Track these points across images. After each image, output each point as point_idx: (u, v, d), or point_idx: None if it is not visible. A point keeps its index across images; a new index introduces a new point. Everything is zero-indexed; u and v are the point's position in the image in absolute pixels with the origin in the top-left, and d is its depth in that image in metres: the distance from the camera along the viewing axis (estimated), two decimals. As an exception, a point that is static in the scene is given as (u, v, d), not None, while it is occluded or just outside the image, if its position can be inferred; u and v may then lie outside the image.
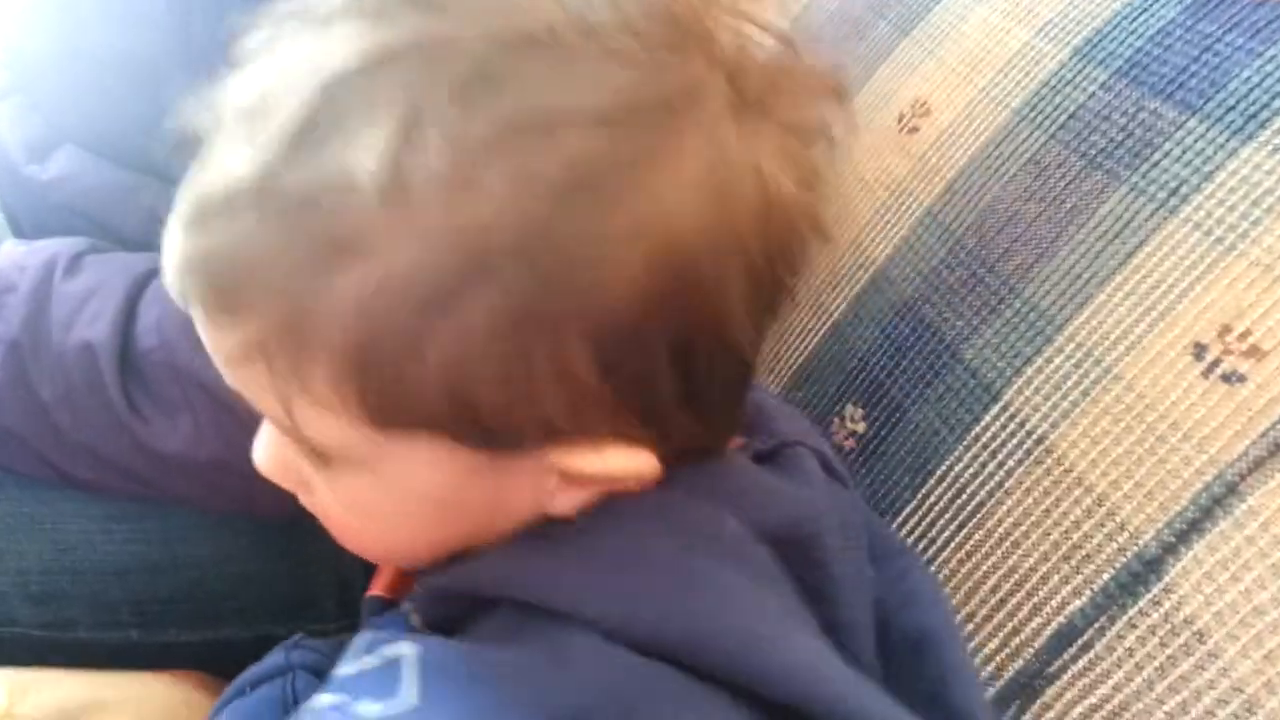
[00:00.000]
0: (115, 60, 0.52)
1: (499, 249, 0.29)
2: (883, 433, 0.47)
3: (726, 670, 0.30)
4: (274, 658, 0.43)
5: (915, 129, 0.53)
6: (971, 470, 0.42)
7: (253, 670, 0.43)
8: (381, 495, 0.35)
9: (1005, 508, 0.41)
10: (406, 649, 0.32)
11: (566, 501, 0.35)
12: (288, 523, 0.51)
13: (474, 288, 0.29)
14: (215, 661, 0.53)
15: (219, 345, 0.33)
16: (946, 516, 0.43)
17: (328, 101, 0.30)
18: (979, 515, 0.42)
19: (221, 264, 0.31)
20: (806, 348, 0.53)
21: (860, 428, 0.48)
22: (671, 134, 0.31)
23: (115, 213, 0.54)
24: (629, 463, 0.34)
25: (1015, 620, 0.39)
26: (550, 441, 0.33)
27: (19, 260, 0.50)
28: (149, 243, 0.52)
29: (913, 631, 0.37)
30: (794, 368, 0.54)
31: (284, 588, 0.54)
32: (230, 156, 0.31)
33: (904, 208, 0.51)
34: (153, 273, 0.50)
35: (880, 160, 0.54)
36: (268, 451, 0.37)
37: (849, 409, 0.49)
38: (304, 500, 0.38)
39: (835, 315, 0.52)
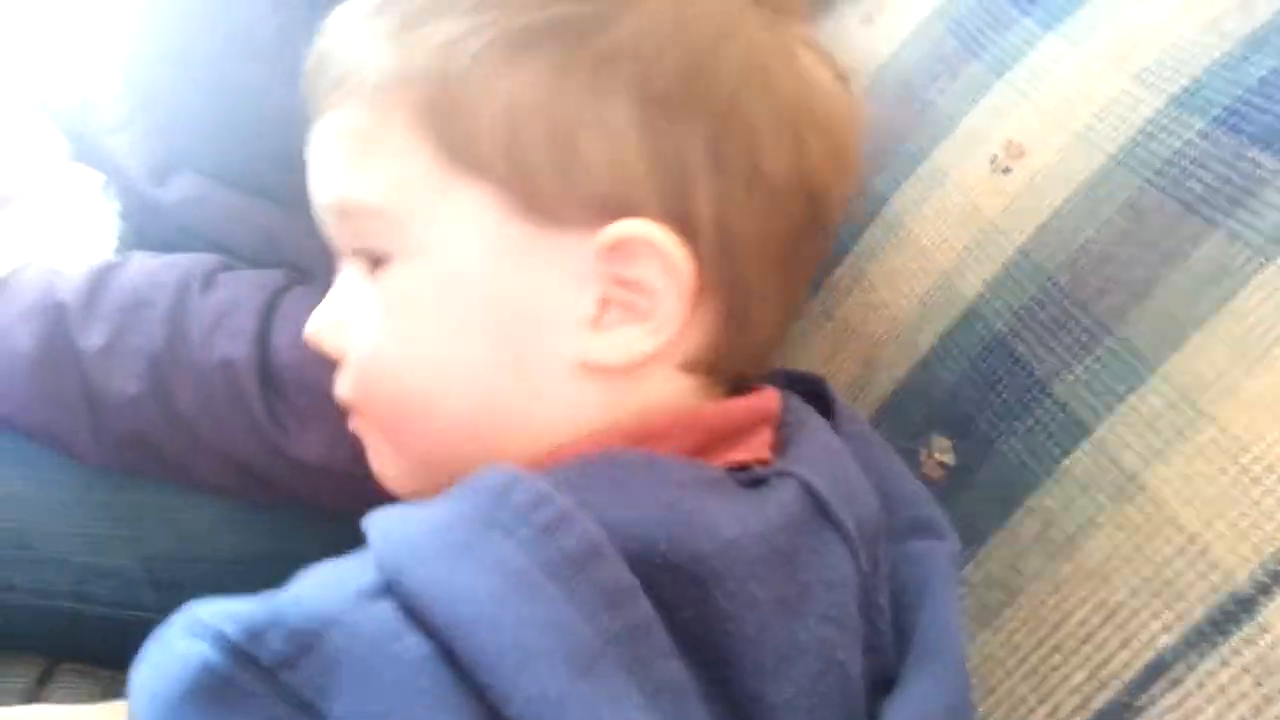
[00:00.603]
0: (226, 89, 0.55)
1: (558, 15, 0.37)
2: (970, 464, 0.47)
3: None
4: None
5: (1008, 170, 0.54)
6: (1061, 504, 0.43)
7: None
8: (427, 287, 0.38)
9: (1095, 542, 0.42)
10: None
11: (603, 345, 0.37)
12: None
13: (539, 44, 0.37)
14: None
15: (333, 118, 0.40)
16: (1035, 548, 0.43)
17: None
18: (1068, 548, 0.42)
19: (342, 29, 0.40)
20: (894, 379, 0.55)
21: (948, 458, 0.49)
22: None
23: (232, 234, 0.57)
24: (664, 244, 0.36)
25: (1103, 653, 0.40)
26: (588, 220, 0.37)
27: (154, 276, 0.54)
28: (264, 261, 0.56)
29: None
30: (880, 398, 0.55)
31: None
32: None
33: (995, 246, 0.52)
34: (282, 290, 0.53)
35: (972, 198, 0.55)
36: (322, 309, 0.42)
37: (936, 440, 0.50)
38: (341, 387, 0.42)
39: (923, 349, 0.53)
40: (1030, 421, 0.46)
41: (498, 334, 0.38)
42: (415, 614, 0.30)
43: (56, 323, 0.53)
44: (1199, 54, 0.47)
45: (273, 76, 0.52)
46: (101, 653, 0.61)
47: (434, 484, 0.40)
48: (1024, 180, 0.52)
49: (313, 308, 0.52)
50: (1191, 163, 0.45)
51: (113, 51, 0.64)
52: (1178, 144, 0.46)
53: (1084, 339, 0.45)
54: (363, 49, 0.39)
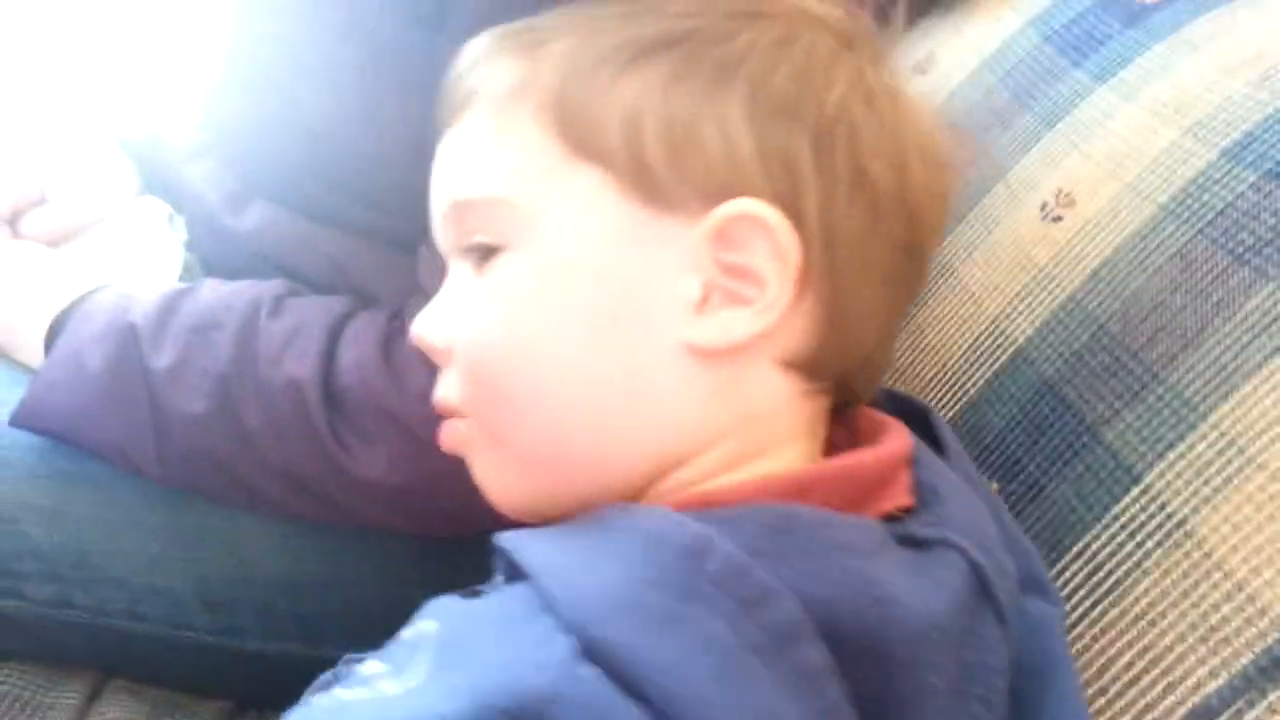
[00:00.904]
0: (300, 121, 0.57)
1: (683, 27, 0.40)
2: (1019, 507, 0.48)
3: None
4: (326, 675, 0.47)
5: (1059, 218, 0.55)
6: (1109, 549, 0.44)
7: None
8: (539, 271, 0.39)
9: (1142, 587, 0.42)
10: (429, 626, 0.35)
11: (706, 326, 0.38)
12: (446, 551, 0.55)
13: (659, 53, 0.39)
14: None
15: (460, 129, 0.43)
16: (1082, 592, 0.44)
17: None
18: (1115, 593, 0.43)
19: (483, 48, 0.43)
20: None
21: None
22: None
23: (300, 259, 0.59)
24: (775, 223, 0.38)
25: (1149, 698, 0.40)
26: (699, 205, 0.38)
27: (225, 299, 0.56)
28: (331, 286, 0.58)
29: None
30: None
31: None
32: None
33: (1046, 293, 0.53)
34: (348, 314, 0.55)
35: (1022, 246, 0.56)
36: (429, 308, 0.43)
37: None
38: (446, 388, 0.42)
39: (972, 392, 0.54)
40: (1080, 467, 0.46)
41: (605, 316, 0.39)
42: (624, 681, 0.30)
43: (127, 344, 0.55)
44: (1252, 109, 0.48)
45: (345, 110, 0.54)
46: (152, 670, 0.62)
47: (545, 494, 0.41)
48: (1075, 229, 0.53)
49: (378, 330, 0.53)
50: (1243, 215, 0.45)
51: (193, 82, 0.66)
52: (1229, 196, 0.47)
53: (1134, 386, 0.46)
54: (492, 65, 0.42)
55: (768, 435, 0.40)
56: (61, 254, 0.64)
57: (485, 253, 0.41)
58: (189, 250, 0.67)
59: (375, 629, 0.58)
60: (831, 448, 0.42)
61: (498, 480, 0.42)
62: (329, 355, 0.53)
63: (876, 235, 0.40)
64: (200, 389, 0.53)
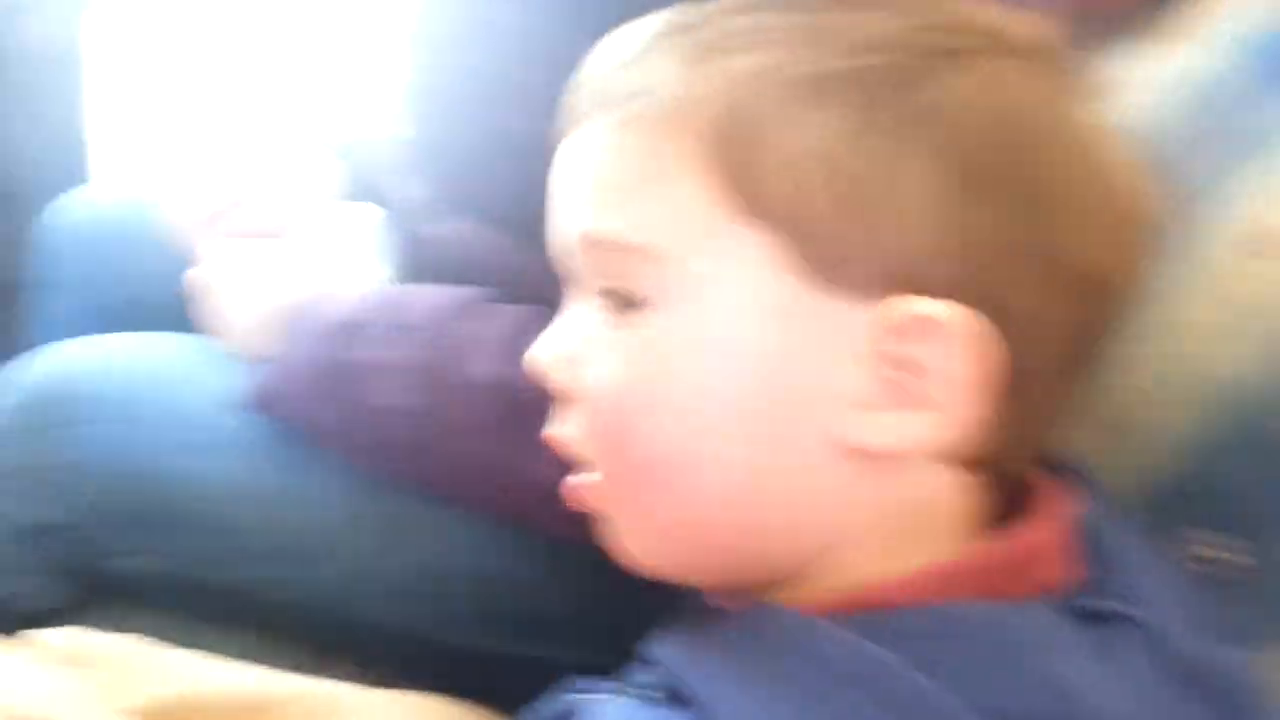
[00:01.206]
0: (492, 134, 0.60)
1: (870, 65, 0.35)
2: (1251, 564, 0.45)
3: None
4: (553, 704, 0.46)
5: (1263, 252, 0.52)
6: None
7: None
8: (686, 341, 0.36)
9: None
10: None
11: (873, 427, 0.35)
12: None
13: (842, 94, 0.35)
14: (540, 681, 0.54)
15: (600, 138, 0.39)
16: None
17: None
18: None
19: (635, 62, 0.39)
20: (1139, 469, 0.52)
21: (1224, 555, 0.47)
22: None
23: (491, 268, 0.63)
24: (960, 327, 0.34)
25: None
26: (869, 289, 0.34)
27: (425, 302, 0.61)
28: (522, 297, 0.60)
29: None
30: (1126, 489, 0.53)
31: (615, 619, 0.55)
32: None
33: (1253, 330, 0.50)
34: (530, 322, 0.56)
35: (1221, 281, 0.53)
36: (552, 340, 0.41)
37: (1201, 535, 0.48)
38: (569, 429, 0.40)
39: (1177, 438, 0.51)
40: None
41: (755, 400, 0.36)
42: None
43: (336, 341, 0.61)
44: None
45: (533, 122, 0.54)
46: (362, 654, 0.65)
47: (684, 566, 0.39)
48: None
49: None
50: None
51: (400, 95, 0.70)
52: None
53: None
54: (650, 70, 0.37)
55: (926, 525, 0.37)
56: (279, 253, 0.69)
57: (626, 301, 0.37)
58: (392, 256, 0.72)
59: (546, 630, 0.62)
60: (985, 512, 0.40)
61: (633, 544, 0.40)
62: (515, 361, 0.55)
63: (1069, 314, 0.37)
64: (400, 386, 0.58)
